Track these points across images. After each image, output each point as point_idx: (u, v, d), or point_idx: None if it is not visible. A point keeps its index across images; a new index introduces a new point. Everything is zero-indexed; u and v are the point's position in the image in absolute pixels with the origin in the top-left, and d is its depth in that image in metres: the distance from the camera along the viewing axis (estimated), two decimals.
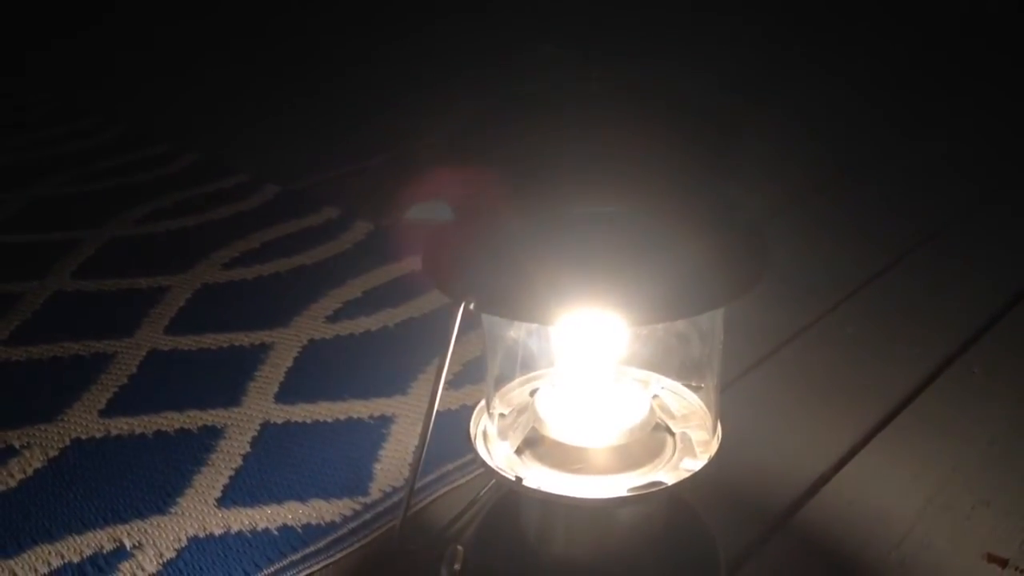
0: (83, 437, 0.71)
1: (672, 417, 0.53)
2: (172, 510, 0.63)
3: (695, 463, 0.50)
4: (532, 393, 0.54)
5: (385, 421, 0.72)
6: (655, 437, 0.51)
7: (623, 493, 0.48)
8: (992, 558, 0.59)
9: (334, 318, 0.87)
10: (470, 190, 0.49)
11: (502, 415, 0.53)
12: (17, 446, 0.70)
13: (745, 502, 0.63)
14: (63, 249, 1.01)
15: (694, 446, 0.51)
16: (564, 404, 0.51)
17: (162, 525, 0.62)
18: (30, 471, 0.67)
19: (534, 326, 0.52)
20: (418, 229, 1.06)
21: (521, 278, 0.43)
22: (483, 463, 0.50)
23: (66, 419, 0.73)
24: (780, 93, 1.46)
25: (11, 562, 0.59)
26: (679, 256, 0.44)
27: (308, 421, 0.72)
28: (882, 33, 1.77)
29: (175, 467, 0.68)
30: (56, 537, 0.61)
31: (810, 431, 0.71)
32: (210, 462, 0.68)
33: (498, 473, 0.49)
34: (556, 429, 0.50)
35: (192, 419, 0.73)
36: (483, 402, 0.54)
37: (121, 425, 0.72)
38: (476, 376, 0.75)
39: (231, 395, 0.76)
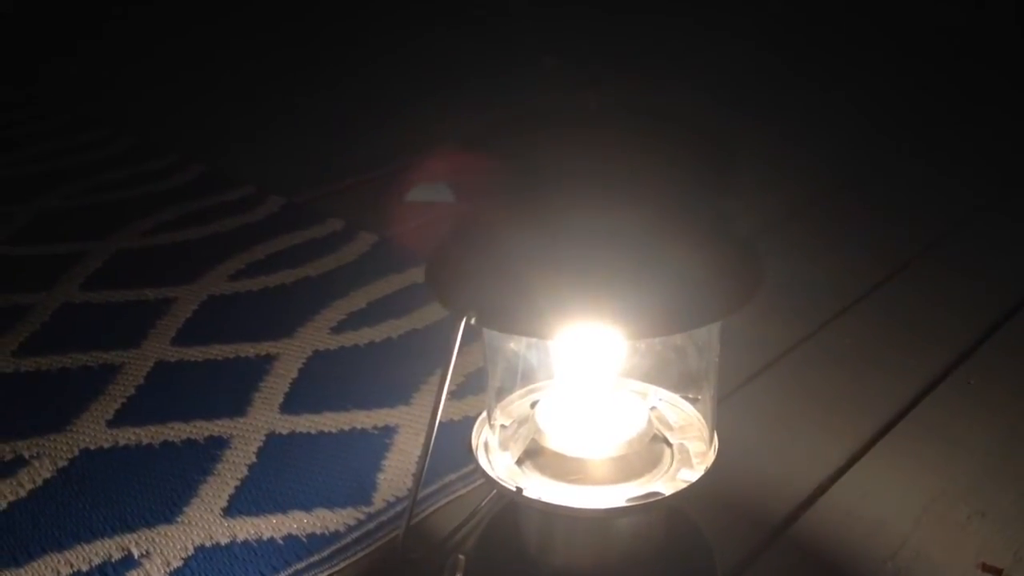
0: (91, 447, 0.72)
1: (670, 428, 0.54)
2: (179, 519, 0.64)
3: (692, 474, 0.50)
4: (532, 405, 0.55)
5: (388, 431, 0.73)
6: (653, 448, 0.52)
7: (621, 503, 0.49)
8: (987, 568, 0.59)
9: (338, 329, 0.88)
10: (472, 204, 0.50)
11: (503, 426, 0.54)
12: (26, 456, 0.71)
13: (742, 513, 0.64)
14: (71, 261, 1.02)
15: (691, 457, 0.52)
16: (564, 416, 0.52)
17: (169, 534, 0.63)
18: (39, 481, 0.68)
19: (534, 339, 0.53)
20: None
21: (521, 292, 0.44)
22: (484, 474, 0.51)
23: (74, 429, 0.74)
24: (777, 107, 1.47)
25: (21, 571, 0.60)
26: (676, 270, 0.45)
27: (312, 431, 0.73)
28: (879, 45, 1.78)
29: (182, 477, 0.68)
30: (65, 546, 0.62)
31: (807, 442, 0.72)
32: (216, 472, 0.69)
33: (499, 483, 0.50)
34: (556, 440, 0.51)
35: (198, 429, 0.74)
36: (484, 413, 0.55)
37: (128, 435, 0.73)
38: (477, 387, 0.76)
39: (236, 406, 0.77)
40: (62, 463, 0.70)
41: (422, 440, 0.71)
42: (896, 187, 1.21)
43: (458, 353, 0.48)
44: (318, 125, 1.48)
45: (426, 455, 0.51)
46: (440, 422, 0.50)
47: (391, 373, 0.81)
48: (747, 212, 0.50)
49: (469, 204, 0.51)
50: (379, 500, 0.66)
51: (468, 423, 0.55)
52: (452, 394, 0.76)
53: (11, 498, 0.67)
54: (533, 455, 0.52)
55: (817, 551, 0.61)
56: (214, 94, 1.65)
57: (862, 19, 1.88)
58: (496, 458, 0.52)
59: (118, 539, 0.63)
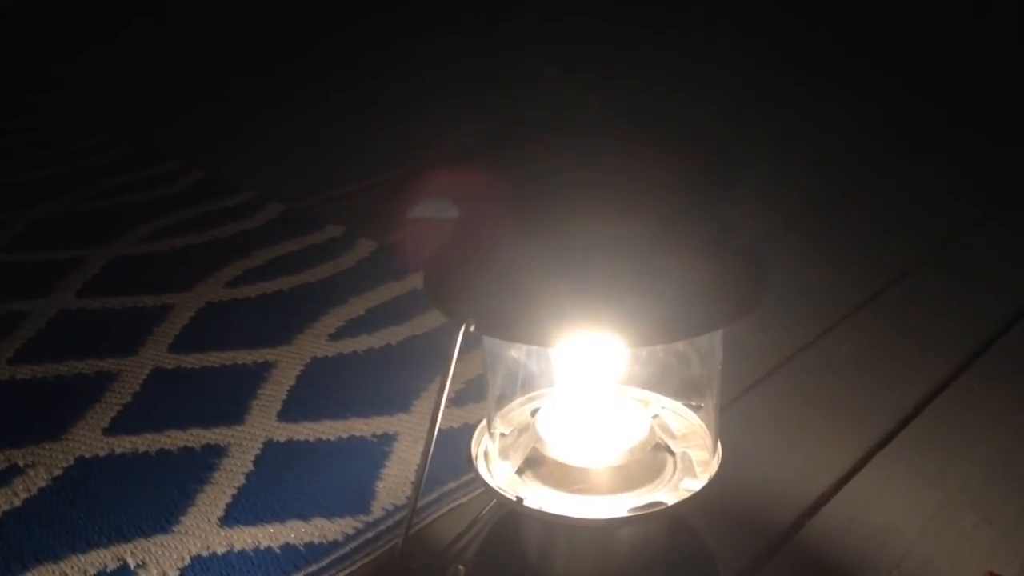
0: (87, 455, 0.71)
1: (672, 437, 0.53)
2: (175, 528, 0.64)
3: (695, 483, 0.50)
4: (533, 413, 0.54)
5: (387, 439, 0.73)
6: (655, 457, 0.52)
7: (624, 513, 0.48)
8: None
9: (337, 336, 0.87)
10: (472, 211, 0.50)
11: (503, 435, 0.54)
12: (21, 465, 0.70)
13: (746, 521, 0.63)
14: (68, 267, 1.02)
15: (694, 466, 0.51)
16: (565, 424, 0.52)
17: (165, 543, 0.62)
18: (34, 490, 0.68)
19: (535, 347, 0.52)
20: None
21: (522, 300, 0.44)
22: (484, 483, 0.51)
23: (70, 437, 0.73)
24: (774, 117, 1.47)
25: None
26: (678, 278, 0.44)
27: (311, 439, 0.73)
28: (878, 54, 1.78)
29: (178, 485, 0.68)
30: (60, 556, 0.61)
31: (810, 450, 0.71)
32: (213, 480, 0.68)
33: (499, 493, 0.50)
34: (557, 449, 0.50)
35: (195, 437, 0.73)
36: (484, 422, 0.54)
37: (125, 443, 0.73)
38: (477, 395, 0.76)
39: (234, 413, 0.76)
40: (57, 472, 0.70)
41: (421, 448, 0.70)
42: (896, 196, 1.20)
43: (458, 360, 0.47)
44: (318, 132, 1.47)
45: (425, 463, 0.50)
46: (439, 430, 0.50)
47: (390, 380, 0.80)
48: (747, 220, 0.49)
49: (470, 212, 0.50)
50: (378, 509, 0.65)
51: (468, 431, 0.55)
52: (452, 402, 0.75)
53: (5, 507, 0.66)
54: (534, 464, 0.51)
55: (821, 560, 0.61)
56: (214, 100, 1.65)
57: (860, 28, 1.88)
58: (496, 467, 0.52)
59: (113, 549, 0.62)
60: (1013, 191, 1.20)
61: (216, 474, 0.69)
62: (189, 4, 2.26)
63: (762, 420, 0.74)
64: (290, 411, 0.76)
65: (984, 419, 0.74)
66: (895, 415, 0.75)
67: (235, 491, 0.67)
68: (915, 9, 1.91)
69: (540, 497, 0.49)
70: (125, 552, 0.62)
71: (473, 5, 2.13)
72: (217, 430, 0.74)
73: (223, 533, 0.63)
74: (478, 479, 0.51)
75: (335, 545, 0.62)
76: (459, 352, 0.47)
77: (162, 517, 0.65)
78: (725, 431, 0.53)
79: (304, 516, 0.64)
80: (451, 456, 0.62)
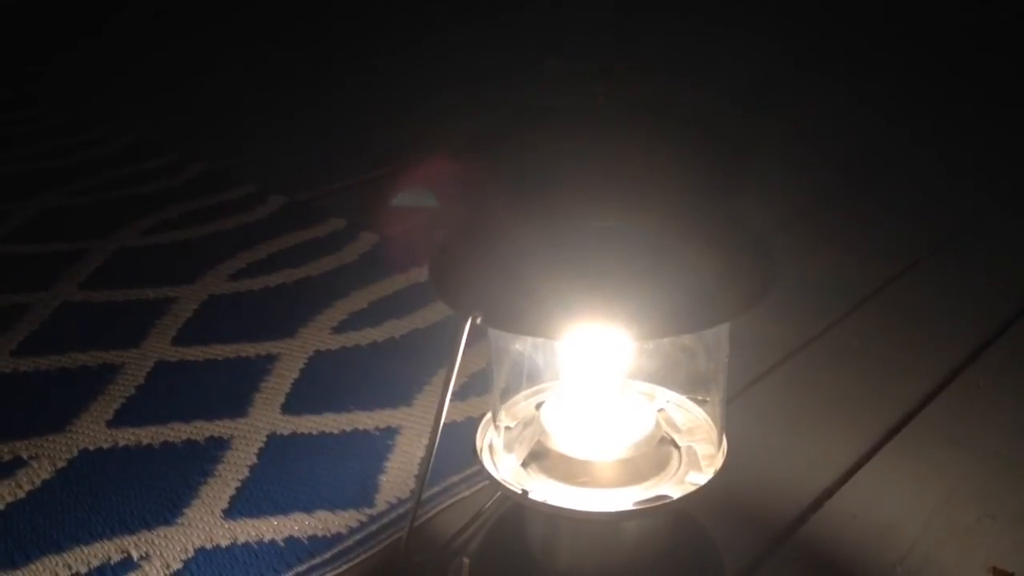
0: (91, 448, 0.71)
1: (678, 431, 0.53)
2: (179, 521, 0.64)
3: (700, 477, 0.50)
4: (538, 406, 0.54)
5: (391, 433, 0.72)
6: (661, 451, 0.52)
7: (628, 507, 0.48)
8: (998, 572, 0.59)
9: (340, 329, 0.87)
10: (478, 202, 0.49)
11: (508, 428, 0.54)
12: (25, 457, 0.70)
13: (750, 515, 0.63)
14: (71, 260, 1.02)
15: (699, 460, 0.51)
16: (570, 417, 0.51)
17: (169, 536, 0.62)
18: (38, 482, 0.68)
19: (540, 339, 0.52)
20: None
21: (528, 292, 0.44)
22: (489, 476, 0.50)
23: (74, 430, 0.73)
24: (786, 106, 1.46)
25: (19, 573, 0.59)
26: (685, 271, 0.44)
27: (314, 432, 0.73)
28: (889, 44, 1.77)
29: (182, 478, 0.68)
30: (63, 548, 0.61)
31: (815, 444, 0.71)
32: (216, 473, 0.68)
33: (504, 486, 0.49)
34: (562, 442, 0.50)
35: (199, 430, 0.73)
36: (489, 415, 0.54)
37: (128, 436, 0.73)
38: (482, 388, 0.76)
39: (237, 406, 0.76)
40: (61, 464, 0.69)
41: (425, 441, 0.70)
42: (904, 186, 1.20)
43: (463, 353, 0.47)
44: (320, 124, 1.47)
45: (430, 456, 0.50)
46: (444, 423, 0.49)
47: (393, 373, 0.80)
48: (757, 211, 0.49)
49: (475, 203, 0.50)
50: (382, 502, 0.65)
51: (472, 424, 0.54)
52: (456, 395, 0.75)
53: (9, 499, 0.66)
54: (538, 457, 0.51)
55: (825, 554, 0.61)
56: (216, 93, 1.64)
57: (875, 15, 1.87)
58: (501, 460, 0.52)
59: (117, 541, 0.62)
60: (1022, 182, 1.20)
61: (220, 467, 0.69)
62: None
63: (768, 413, 0.74)
64: (293, 404, 0.76)
65: (990, 413, 0.74)
66: (901, 408, 0.75)
67: (239, 484, 0.67)
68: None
69: (545, 490, 0.49)
70: (129, 544, 0.62)
71: None
72: (220, 423, 0.74)
73: (227, 525, 0.63)
74: (483, 472, 0.51)
75: (339, 538, 0.62)
76: (464, 345, 0.46)
77: (166, 509, 0.65)
78: (731, 424, 0.52)
79: (308, 509, 0.64)
80: (455, 449, 0.62)
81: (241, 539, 0.62)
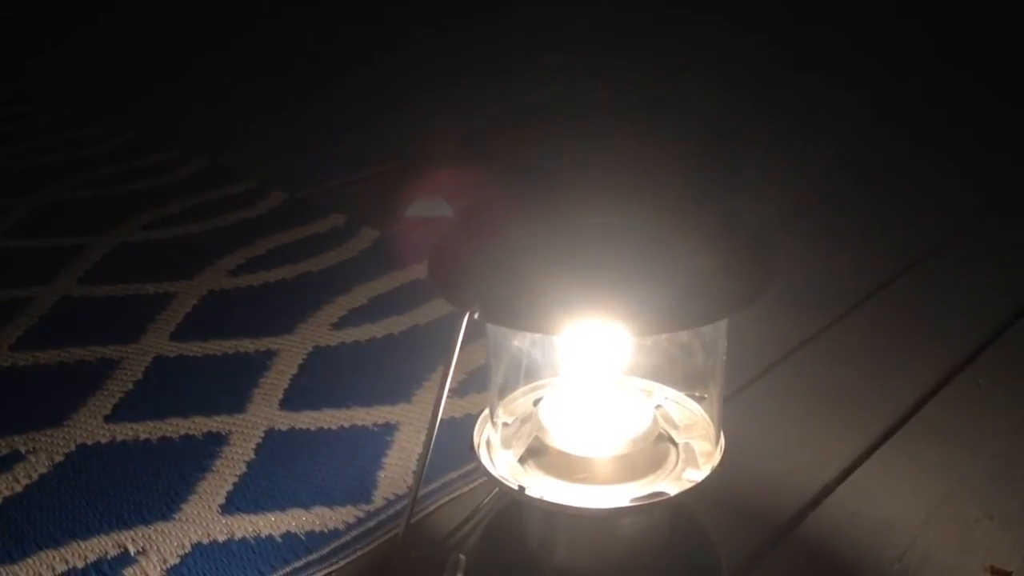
0: (89, 442, 0.71)
1: (675, 427, 0.53)
2: (176, 516, 0.63)
3: (698, 474, 0.50)
4: (536, 402, 0.54)
5: (389, 429, 0.72)
6: (658, 447, 0.52)
7: (626, 503, 0.48)
8: (995, 571, 0.59)
9: (339, 325, 0.87)
10: (477, 198, 0.49)
11: (505, 424, 0.54)
12: (23, 451, 0.70)
13: (748, 513, 0.63)
14: (70, 255, 1.02)
15: (697, 456, 0.51)
16: (568, 414, 0.51)
17: (166, 531, 0.62)
18: (36, 476, 0.68)
19: (538, 336, 0.52)
20: (418, 227, 1.07)
21: (526, 288, 0.44)
22: (486, 472, 0.50)
23: (72, 424, 0.73)
24: (786, 104, 1.46)
25: (16, 567, 0.59)
26: (683, 267, 0.44)
27: (312, 428, 0.73)
28: (890, 44, 1.77)
29: (180, 473, 0.68)
30: (61, 542, 0.61)
31: (814, 442, 0.71)
32: (215, 468, 0.68)
33: (501, 482, 0.49)
34: (559, 438, 0.50)
35: (197, 425, 0.73)
36: (487, 411, 0.54)
37: (126, 431, 0.73)
38: (480, 384, 0.76)
39: (236, 402, 0.76)
40: (59, 458, 0.69)
41: (423, 437, 0.70)
42: (905, 186, 1.20)
43: (460, 350, 0.47)
44: (321, 120, 1.47)
45: (427, 452, 0.50)
46: (441, 419, 0.49)
47: (392, 370, 0.80)
48: (755, 208, 0.49)
49: (474, 199, 0.50)
50: (379, 498, 0.65)
51: (470, 420, 0.54)
52: (454, 391, 0.75)
53: (6, 493, 0.66)
54: (536, 453, 0.51)
55: (823, 552, 0.61)
56: (217, 88, 1.64)
57: (876, 15, 1.87)
58: (498, 456, 0.52)
59: (114, 536, 0.62)
60: (1022, 184, 1.20)
61: (217, 462, 0.69)
62: None
63: (766, 411, 0.74)
64: (292, 400, 0.76)
65: (988, 413, 0.74)
66: (899, 407, 0.75)
67: (236, 479, 0.67)
68: None
69: (542, 486, 0.49)
70: (126, 539, 0.62)
71: None
72: (219, 418, 0.74)
73: (224, 521, 0.63)
74: (480, 468, 0.51)
75: (336, 534, 0.62)
76: (462, 342, 0.46)
77: (163, 504, 0.65)
78: (729, 422, 0.52)
79: (305, 505, 0.64)
80: (453, 446, 0.62)
81: (238, 534, 0.62)
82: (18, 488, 0.66)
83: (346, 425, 0.73)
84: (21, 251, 1.04)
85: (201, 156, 1.30)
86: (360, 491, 0.66)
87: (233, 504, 0.65)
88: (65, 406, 0.75)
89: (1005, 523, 0.63)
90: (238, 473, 0.68)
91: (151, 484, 0.67)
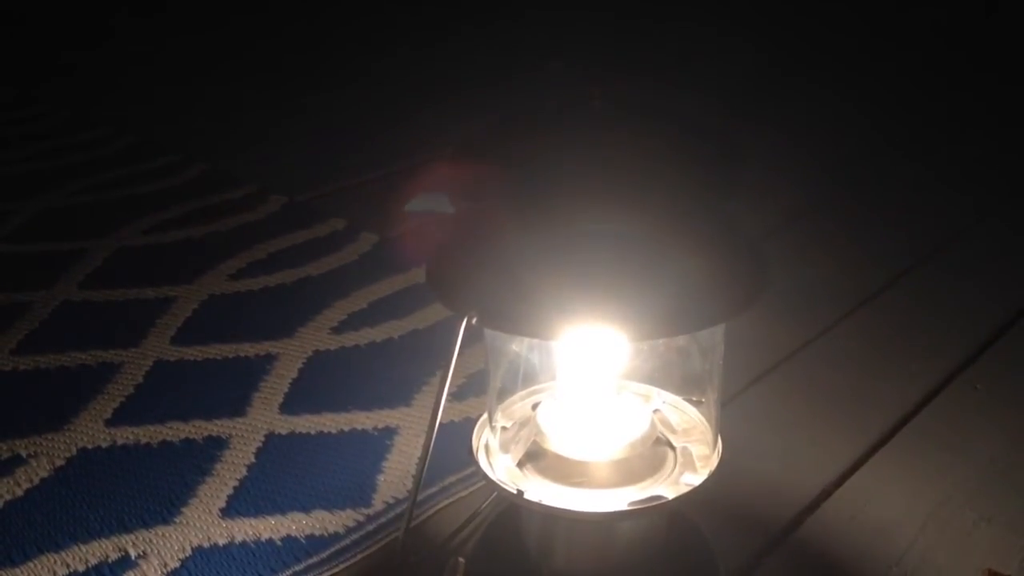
0: (89, 446, 0.71)
1: (673, 431, 0.53)
2: (176, 520, 0.64)
3: (696, 477, 0.50)
4: (534, 406, 0.54)
5: (389, 432, 0.73)
6: (656, 451, 0.52)
7: (624, 507, 0.48)
8: (993, 574, 0.59)
9: (339, 329, 0.87)
10: (474, 204, 0.50)
11: (504, 428, 0.54)
12: (24, 455, 0.70)
13: (746, 517, 0.63)
14: (71, 259, 1.02)
15: (695, 460, 0.51)
16: (566, 418, 0.52)
17: (166, 535, 0.62)
18: (36, 480, 0.68)
19: (536, 340, 0.52)
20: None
21: (524, 293, 0.44)
22: (485, 476, 0.51)
23: (72, 428, 0.73)
24: (779, 112, 1.47)
25: (16, 571, 0.60)
26: (680, 272, 0.44)
27: (312, 432, 0.73)
28: (879, 52, 1.78)
29: (180, 477, 0.68)
30: (62, 546, 0.62)
31: (811, 446, 0.71)
32: (214, 472, 0.68)
33: (499, 486, 0.50)
34: (557, 442, 0.50)
35: (197, 429, 0.73)
36: (485, 415, 0.54)
37: (127, 435, 0.73)
38: (479, 388, 0.76)
39: (236, 406, 0.76)
40: (59, 462, 0.70)
41: (422, 441, 0.70)
42: (901, 191, 1.20)
43: (459, 354, 0.47)
44: (321, 125, 1.47)
45: (426, 456, 0.50)
46: (441, 423, 0.50)
47: (392, 374, 0.80)
48: (751, 215, 0.49)
49: (472, 205, 0.50)
50: (379, 502, 0.65)
51: (469, 424, 0.55)
52: (453, 395, 0.76)
53: (7, 497, 0.66)
54: (534, 457, 0.51)
55: (821, 556, 0.61)
56: (217, 93, 1.65)
57: (865, 23, 1.88)
58: (497, 460, 0.52)
59: (115, 539, 0.62)
60: (1016, 189, 1.20)
61: (218, 466, 0.69)
62: None
63: (764, 416, 0.74)
64: (292, 404, 0.76)
65: (985, 417, 0.74)
66: (896, 412, 0.75)
67: (236, 483, 0.67)
68: (923, 6, 1.90)
69: (540, 490, 0.49)
70: (127, 543, 0.62)
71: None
72: (219, 422, 0.74)
73: (224, 524, 0.63)
74: (479, 472, 0.51)
75: (336, 537, 0.62)
76: (460, 346, 0.47)
77: (164, 508, 0.65)
78: (726, 427, 0.53)
79: (305, 508, 0.65)
80: (452, 450, 0.62)
81: (239, 538, 0.62)
82: (19, 492, 0.67)
83: (346, 429, 0.73)
84: (22, 256, 1.05)
85: (201, 160, 1.30)
86: (360, 495, 0.66)
87: (233, 508, 0.65)
88: (66, 410, 0.76)
89: (1002, 526, 0.63)
90: (238, 477, 0.68)
91: (151, 488, 0.67)
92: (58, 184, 1.23)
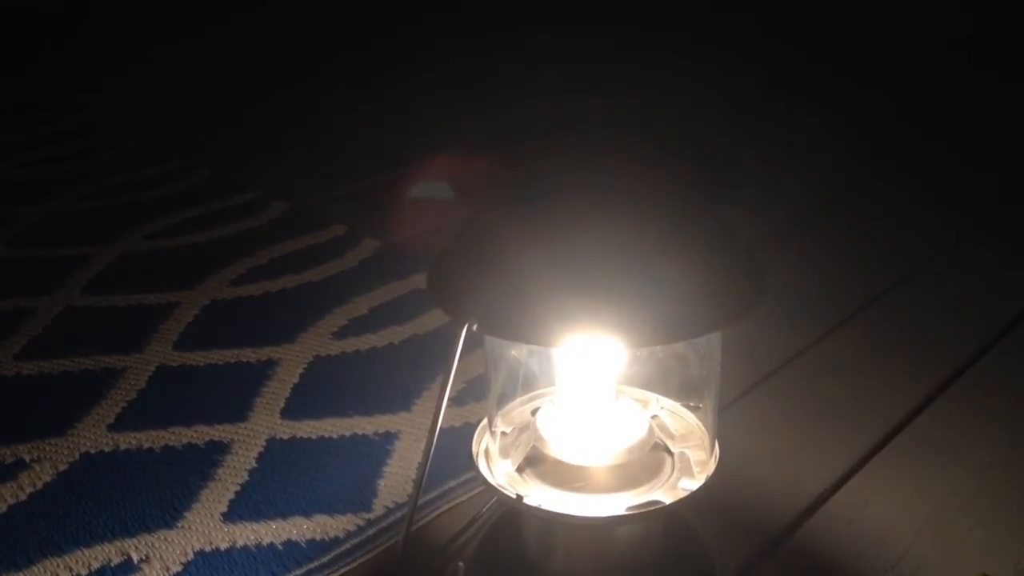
0: (92, 451, 0.72)
1: (671, 437, 0.54)
2: (179, 524, 0.64)
3: (693, 483, 0.50)
4: (533, 412, 0.55)
5: (389, 438, 0.73)
6: (654, 456, 0.52)
7: (622, 512, 0.49)
8: None
9: (340, 335, 0.88)
10: (475, 212, 0.50)
11: (504, 433, 0.54)
12: (27, 459, 0.71)
13: (742, 522, 0.64)
14: (74, 264, 1.03)
15: (692, 466, 0.52)
16: (565, 423, 0.52)
17: (169, 539, 0.63)
18: (40, 484, 0.68)
19: (536, 347, 0.53)
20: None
21: (523, 300, 0.45)
22: (485, 481, 0.51)
23: (76, 433, 0.74)
24: (779, 119, 1.47)
25: (20, 575, 0.60)
26: (678, 280, 0.45)
27: (313, 437, 0.73)
28: (877, 65, 1.78)
29: (182, 482, 0.68)
30: (65, 550, 0.62)
31: (808, 452, 0.71)
32: (217, 477, 0.69)
33: (499, 491, 0.50)
34: (557, 448, 0.51)
35: (199, 434, 0.74)
36: (485, 420, 0.55)
37: (130, 439, 0.73)
38: (479, 394, 0.76)
39: (238, 411, 0.77)
40: (62, 467, 0.70)
41: (423, 446, 0.71)
42: (898, 198, 1.21)
43: (459, 360, 0.48)
44: (322, 131, 1.48)
45: (427, 461, 0.51)
46: (441, 429, 0.50)
47: (393, 379, 0.81)
48: (749, 218, 0.50)
49: (472, 212, 0.51)
50: (379, 506, 0.66)
51: (469, 430, 0.55)
52: (453, 401, 0.76)
53: (11, 501, 0.67)
54: (534, 462, 0.52)
55: (817, 561, 0.61)
56: (219, 99, 1.65)
57: (850, 45, 1.89)
58: (497, 465, 0.52)
59: (118, 543, 0.63)
60: (1015, 193, 1.21)
61: (220, 471, 0.70)
62: (193, 1, 2.26)
63: (761, 421, 0.75)
64: (293, 409, 0.77)
65: (981, 423, 0.75)
66: (892, 418, 0.75)
67: (238, 487, 0.68)
68: (906, 30, 1.91)
69: (540, 495, 0.50)
70: (129, 547, 0.62)
71: (476, 5, 2.13)
72: (221, 427, 0.75)
73: (226, 529, 0.64)
74: (479, 477, 0.52)
75: (337, 542, 0.62)
76: (461, 352, 0.47)
77: (166, 513, 0.65)
78: (724, 432, 0.53)
79: (306, 513, 0.65)
80: (452, 455, 0.62)
81: (240, 542, 0.63)
82: (22, 496, 0.67)
83: (347, 434, 0.74)
84: (25, 261, 1.05)
85: (203, 167, 1.31)
86: (360, 499, 0.66)
87: (235, 512, 0.65)
88: (69, 415, 0.76)
89: (998, 532, 0.63)
90: (240, 481, 0.68)
91: (154, 492, 0.67)
92: (62, 190, 1.23)
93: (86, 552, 0.62)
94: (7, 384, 0.81)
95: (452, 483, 0.67)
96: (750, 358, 0.81)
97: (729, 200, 0.47)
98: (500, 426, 0.55)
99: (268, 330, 0.89)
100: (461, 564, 0.54)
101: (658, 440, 0.53)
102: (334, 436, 0.73)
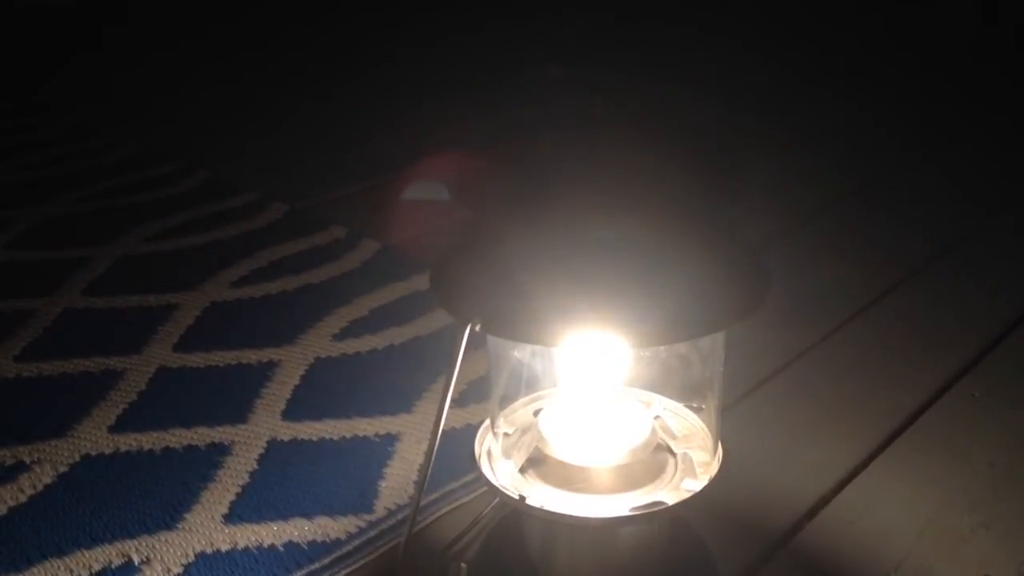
0: (92, 453, 0.72)
1: (674, 438, 0.54)
2: (180, 526, 0.64)
3: (696, 483, 0.50)
4: (536, 413, 0.55)
5: (390, 439, 0.73)
6: (657, 457, 0.52)
7: (625, 513, 0.48)
8: None
9: (341, 336, 0.88)
10: (477, 212, 0.50)
11: (506, 434, 0.54)
12: (27, 461, 0.71)
13: (746, 523, 0.64)
14: (74, 266, 1.02)
15: (695, 467, 0.52)
16: (567, 424, 0.52)
17: (170, 541, 0.63)
18: (40, 486, 0.68)
19: (538, 347, 0.53)
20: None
21: (526, 300, 0.44)
22: (487, 482, 0.51)
23: (76, 435, 0.74)
24: (785, 114, 1.47)
25: None
26: (681, 279, 0.45)
27: (314, 439, 0.73)
28: (887, 54, 1.78)
29: (183, 483, 0.68)
30: (65, 552, 0.62)
31: (812, 452, 0.71)
32: (217, 479, 0.69)
33: (502, 492, 0.50)
34: (559, 449, 0.51)
35: (200, 436, 0.74)
36: (487, 421, 0.55)
37: (130, 441, 0.73)
38: (481, 395, 0.76)
39: (238, 412, 0.76)
40: (63, 468, 0.70)
41: (424, 448, 0.71)
42: (903, 196, 1.21)
43: (461, 361, 0.48)
44: (321, 132, 1.48)
45: (429, 463, 0.51)
46: (443, 430, 0.50)
47: (393, 380, 0.81)
48: (753, 219, 0.50)
49: (474, 211, 0.51)
50: (381, 508, 0.65)
51: (471, 431, 0.55)
52: (455, 402, 0.76)
53: (11, 503, 0.66)
54: (536, 463, 0.52)
55: (820, 562, 0.61)
56: (218, 101, 1.65)
57: (874, 27, 1.89)
58: (499, 466, 0.52)
59: (118, 545, 0.62)
60: (1021, 194, 1.21)
61: (220, 472, 0.69)
62: (191, 3, 2.26)
63: (763, 422, 0.75)
64: (294, 410, 0.77)
65: (985, 423, 0.75)
66: (895, 418, 0.75)
67: (239, 489, 0.68)
68: (930, 10, 1.91)
69: (542, 496, 0.50)
70: (130, 549, 0.62)
71: (475, 2, 2.13)
72: (221, 429, 0.74)
73: (227, 530, 0.64)
74: (481, 478, 0.52)
75: (338, 543, 0.62)
76: (463, 353, 0.47)
77: (167, 514, 0.65)
78: (726, 432, 0.53)
79: (307, 514, 0.65)
80: (454, 456, 0.62)
81: (241, 544, 0.62)
82: (23, 498, 0.67)
83: (348, 435, 0.73)
84: (24, 263, 1.05)
85: (203, 168, 1.31)
86: (362, 501, 0.66)
87: (236, 514, 0.65)
88: (69, 417, 0.76)
89: (1001, 533, 0.63)
90: (241, 483, 0.68)
91: (154, 494, 0.67)
92: (61, 192, 1.23)
93: (86, 554, 0.62)
94: (7, 386, 0.81)
95: (454, 484, 0.67)
96: (753, 358, 0.81)
97: (736, 195, 0.47)
98: (503, 427, 0.54)
99: (268, 332, 0.88)
100: (463, 565, 0.54)
101: (661, 441, 0.53)
102: (335, 437, 0.73)
